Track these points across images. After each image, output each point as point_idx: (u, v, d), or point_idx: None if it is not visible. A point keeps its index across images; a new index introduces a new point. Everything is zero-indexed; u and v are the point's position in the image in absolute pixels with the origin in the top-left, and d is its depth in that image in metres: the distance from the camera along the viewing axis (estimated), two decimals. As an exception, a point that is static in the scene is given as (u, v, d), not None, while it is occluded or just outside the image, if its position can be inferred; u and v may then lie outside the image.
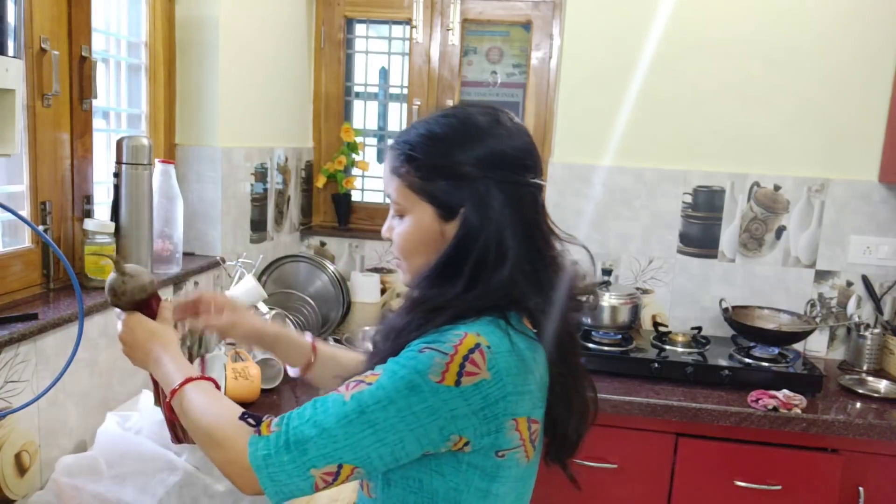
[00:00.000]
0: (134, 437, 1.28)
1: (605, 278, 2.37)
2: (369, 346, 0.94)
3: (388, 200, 0.95)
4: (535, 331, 0.90)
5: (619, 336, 2.19)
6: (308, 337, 1.17)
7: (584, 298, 0.95)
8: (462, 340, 0.80)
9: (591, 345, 2.12)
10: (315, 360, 1.15)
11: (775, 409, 1.82)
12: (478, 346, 0.80)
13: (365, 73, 2.63)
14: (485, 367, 0.79)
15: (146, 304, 1.01)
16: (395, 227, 0.93)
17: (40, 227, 1.36)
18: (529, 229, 0.88)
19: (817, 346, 2.32)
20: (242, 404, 1.64)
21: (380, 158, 2.73)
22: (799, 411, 1.82)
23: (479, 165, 0.85)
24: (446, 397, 0.78)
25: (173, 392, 0.90)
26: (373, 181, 2.69)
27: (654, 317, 2.38)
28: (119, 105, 1.71)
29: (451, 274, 0.86)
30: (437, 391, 0.78)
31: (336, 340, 2.10)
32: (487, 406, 0.80)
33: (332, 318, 2.23)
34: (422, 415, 0.78)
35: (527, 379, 0.84)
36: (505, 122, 0.89)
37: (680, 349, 2.13)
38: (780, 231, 2.30)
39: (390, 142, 2.64)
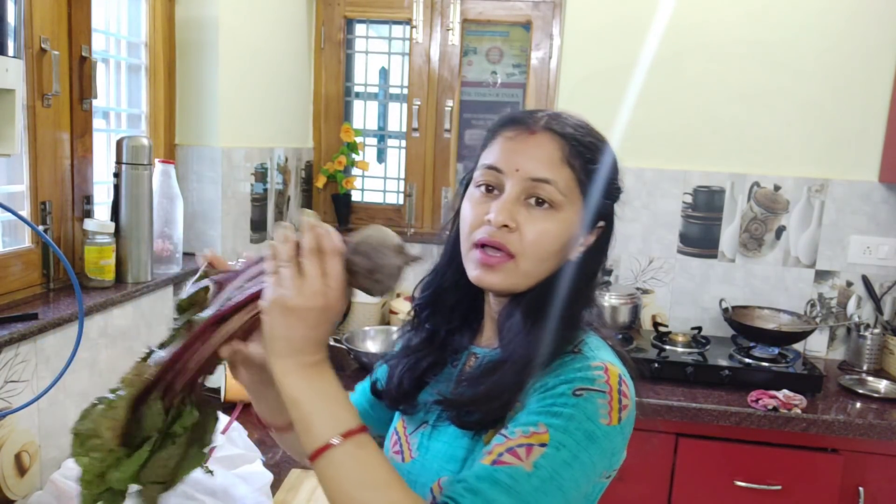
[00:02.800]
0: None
1: (606, 278, 2.37)
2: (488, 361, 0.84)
3: (534, 182, 0.80)
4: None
5: (619, 336, 2.19)
6: None
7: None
8: (607, 373, 0.76)
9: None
10: None
11: (775, 409, 1.82)
12: (620, 377, 0.77)
13: (365, 73, 2.63)
14: (630, 397, 0.77)
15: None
16: (528, 220, 0.79)
17: (40, 227, 1.36)
18: None
19: (817, 346, 2.32)
20: (242, 404, 1.65)
21: (380, 158, 2.73)
22: (799, 411, 1.82)
23: (615, 182, 0.86)
24: (613, 436, 0.74)
25: (326, 446, 0.67)
26: (373, 181, 2.69)
27: (654, 317, 2.38)
28: (119, 105, 1.71)
29: (583, 288, 0.84)
30: (608, 434, 0.74)
31: (336, 341, 2.10)
32: (629, 433, 0.78)
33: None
34: (598, 462, 0.74)
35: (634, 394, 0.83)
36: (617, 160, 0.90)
37: (680, 349, 2.13)
38: (780, 231, 2.30)
39: (394, 148, 2.66)
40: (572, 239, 0.82)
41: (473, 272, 0.81)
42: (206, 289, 0.76)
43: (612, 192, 0.86)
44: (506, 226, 0.78)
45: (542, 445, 0.71)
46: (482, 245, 0.80)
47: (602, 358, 0.78)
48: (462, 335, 0.92)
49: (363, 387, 1.05)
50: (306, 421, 0.68)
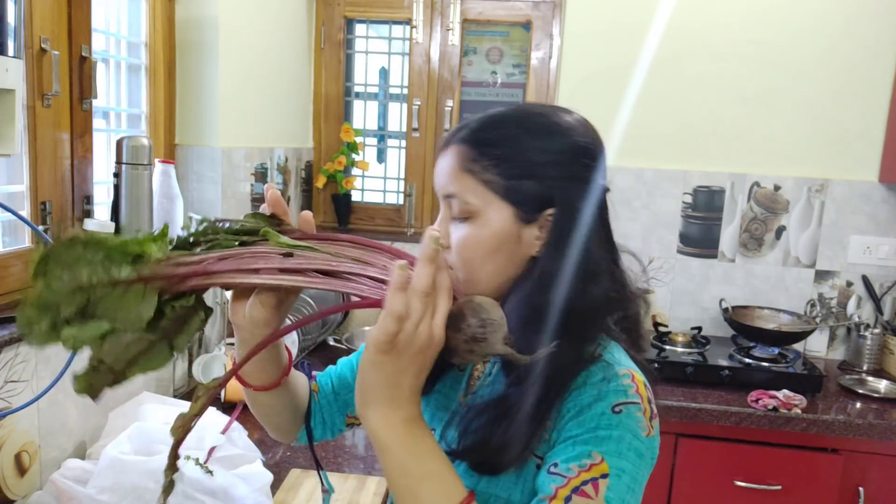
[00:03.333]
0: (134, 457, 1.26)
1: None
2: (503, 389, 0.77)
3: (449, 200, 0.80)
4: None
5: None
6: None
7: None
8: (634, 382, 0.74)
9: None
10: (287, 379, 0.87)
11: (775, 409, 1.82)
12: (645, 384, 0.75)
13: (365, 73, 2.63)
14: (655, 404, 0.75)
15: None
16: (454, 233, 0.79)
17: (40, 227, 1.36)
18: (609, 235, 0.82)
19: (817, 346, 2.32)
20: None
21: (380, 158, 2.73)
22: (799, 411, 1.82)
23: (566, 164, 0.77)
24: (653, 447, 0.74)
25: None
26: (373, 181, 2.69)
27: (654, 317, 2.38)
28: (119, 105, 1.71)
29: (553, 285, 0.75)
30: (650, 447, 0.73)
31: (336, 341, 2.10)
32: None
33: (332, 318, 2.23)
34: (647, 476, 0.74)
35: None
36: (587, 125, 0.82)
37: (680, 349, 2.13)
38: (780, 231, 2.30)
39: (393, 149, 2.67)
40: (505, 237, 0.77)
41: None
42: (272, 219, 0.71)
43: (545, 173, 0.77)
44: (447, 246, 0.79)
45: (605, 477, 0.69)
46: None
47: (625, 364, 0.76)
48: None
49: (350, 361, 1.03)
50: (414, 490, 0.65)
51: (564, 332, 0.73)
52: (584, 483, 0.68)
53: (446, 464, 0.67)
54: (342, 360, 1.05)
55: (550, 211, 0.77)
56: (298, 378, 0.95)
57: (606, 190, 0.81)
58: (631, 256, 0.86)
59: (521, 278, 0.78)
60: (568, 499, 0.67)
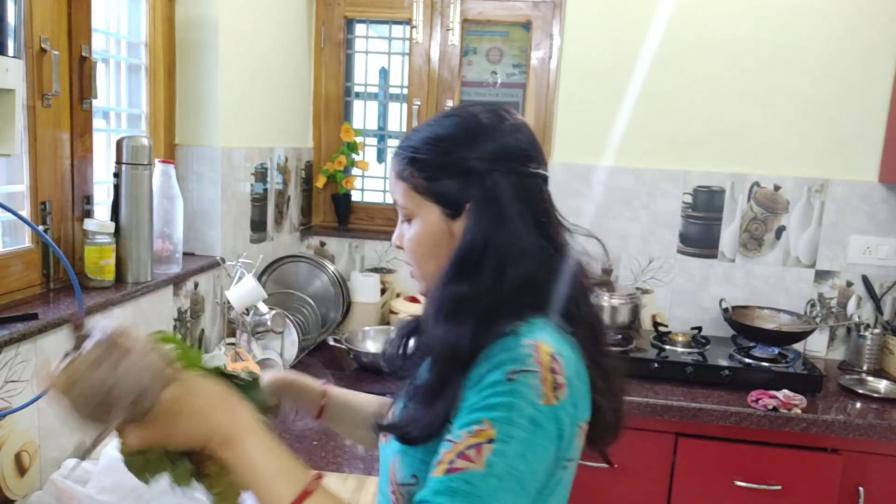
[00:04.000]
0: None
1: (605, 278, 2.36)
2: (422, 376, 0.86)
3: (393, 202, 0.93)
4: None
5: (619, 336, 2.19)
6: (320, 382, 1.12)
7: (598, 287, 0.92)
8: (537, 352, 0.75)
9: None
10: (327, 405, 1.09)
11: (775, 409, 1.82)
12: (553, 355, 0.76)
13: (365, 73, 2.63)
14: (565, 374, 0.76)
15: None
16: (405, 234, 0.91)
17: (40, 227, 1.36)
18: (541, 220, 0.86)
19: (817, 346, 2.32)
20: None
21: (380, 158, 2.73)
22: (799, 411, 1.82)
23: (484, 160, 0.84)
24: (554, 417, 0.74)
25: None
26: (372, 181, 2.69)
27: (654, 317, 2.38)
28: (119, 105, 1.71)
29: (470, 271, 0.82)
30: (548, 416, 0.73)
31: (336, 341, 2.10)
32: (573, 416, 0.77)
33: (332, 318, 2.23)
34: (549, 446, 0.73)
35: (584, 378, 0.81)
36: (506, 117, 0.88)
37: (680, 349, 2.13)
38: (780, 231, 2.30)
39: (392, 142, 2.68)
40: (438, 233, 0.87)
41: None
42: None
43: (461, 171, 0.84)
44: (401, 247, 0.92)
45: (491, 442, 0.70)
46: None
47: (536, 337, 0.77)
48: None
49: None
50: (255, 484, 0.72)
51: (476, 316, 0.80)
52: (469, 447, 0.71)
53: (277, 457, 0.73)
54: None
55: (469, 204, 0.84)
56: (362, 399, 1.12)
57: (541, 178, 0.87)
58: (594, 239, 0.93)
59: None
60: (452, 462, 0.71)
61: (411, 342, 0.96)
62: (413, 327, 0.96)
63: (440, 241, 0.87)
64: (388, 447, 0.90)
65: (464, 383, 0.77)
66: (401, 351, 0.96)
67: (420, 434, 0.80)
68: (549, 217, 0.88)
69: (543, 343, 0.77)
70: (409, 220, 0.89)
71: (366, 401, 1.12)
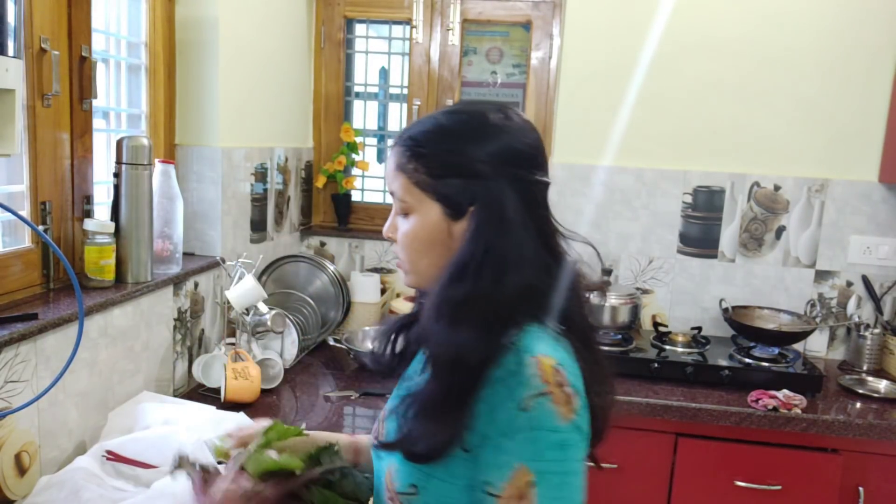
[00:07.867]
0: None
1: (605, 278, 2.37)
2: (418, 381, 0.85)
3: (391, 198, 0.90)
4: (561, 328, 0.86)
5: (619, 336, 2.19)
6: (345, 435, 1.09)
7: (593, 293, 0.92)
8: (541, 369, 0.75)
9: (591, 345, 2.12)
10: (360, 459, 1.05)
11: (775, 409, 1.82)
12: (554, 367, 0.75)
13: (365, 73, 2.63)
14: (571, 384, 0.76)
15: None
16: (398, 227, 0.89)
17: (40, 227, 1.36)
18: (542, 228, 0.85)
19: (817, 346, 2.32)
20: (242, 404, 1.65)
21: (380, 158, 2.73)
22: (799, 411, 1.82)
23: (491, 162, 0.82)
24: (576, 430, 0.75)
25: None
26: (373, 181, 2.69)
27: (654, 317, 2.38)
28: (119, 105, 1.71)
29: (469, 276, 0.80)
30: (572, 431, 0.74)
31: (336, 341, 2.10)
32: (587, 418, 0.77)
33: (332, 318, 2.23)
34: (580, 458, 0.74)
35: (580, 379, 0.81)
36: (514, 117, 0.86)
37: (680, 349, 2.13)
38: (780, 231, 2.30)
39: (391, 141, 2.68)
40: (436, 232, 0.85)
41: None
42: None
43: (468, 172, 0.82)
44: (392, 238, 0.91)
45: (531, 486, 0.71)
46: None
47: (535, 349, 0.77)
48: None
49: None
50: None
51: (476, 321, 0.78)
52: (513, 500, 0.72)
53: None
54: None
55: (472, 207, 0.82)
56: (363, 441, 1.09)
57: (544, 184, 0.86)
58: (589, 246, 0.92)
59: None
60: None
61: (400, 339, 0.95)
62: (402, 324, 0.96)
63: (437, 240, 0.85)
64: (383, 454, 0.89)
65: (474, 400, 0.76)
66: (389, 349, 0.95)
67: (428, 451, 0.79)
68: (549, 224, 0.87)
69: (544, 357, 0.76)
70: (405, 214, 0.87)
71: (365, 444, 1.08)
